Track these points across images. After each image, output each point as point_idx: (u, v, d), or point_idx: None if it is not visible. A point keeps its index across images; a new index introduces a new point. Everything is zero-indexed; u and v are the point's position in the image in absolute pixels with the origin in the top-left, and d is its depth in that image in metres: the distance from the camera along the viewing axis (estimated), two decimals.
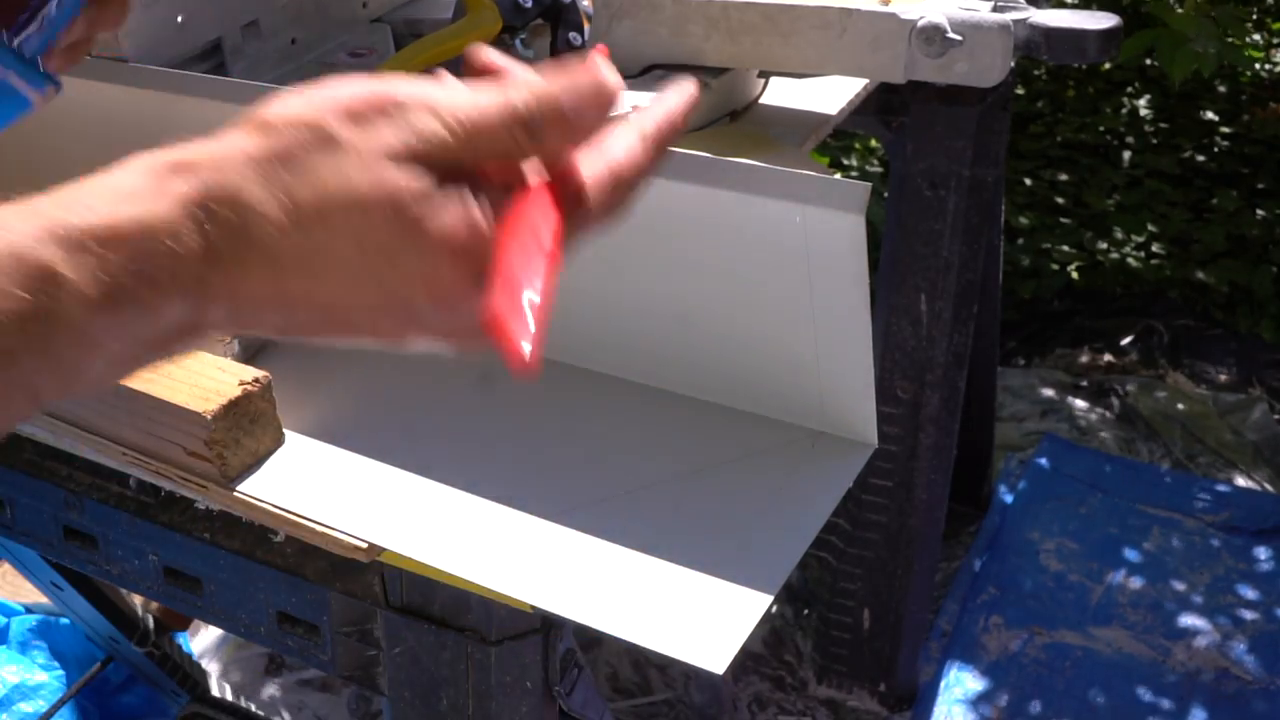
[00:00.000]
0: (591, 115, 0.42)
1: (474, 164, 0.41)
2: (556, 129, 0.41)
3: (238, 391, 0.70)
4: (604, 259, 0.75)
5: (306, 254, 0.39)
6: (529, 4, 1.12)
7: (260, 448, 0.72)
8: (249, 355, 0.83)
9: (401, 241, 0.40)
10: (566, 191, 0.42)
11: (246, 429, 0.70)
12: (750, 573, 0.63)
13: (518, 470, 0.71)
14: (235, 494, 0.70)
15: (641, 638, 0.60)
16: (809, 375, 0.71)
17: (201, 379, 0.71)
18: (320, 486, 0.71)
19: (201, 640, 1.78)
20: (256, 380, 0.71)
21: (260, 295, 0.40)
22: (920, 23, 1.04)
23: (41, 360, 0.37)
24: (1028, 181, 2.92)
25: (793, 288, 0.68)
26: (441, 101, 0.41)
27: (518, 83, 0.42)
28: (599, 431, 0.75)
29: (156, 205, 0.38)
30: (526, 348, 0.37)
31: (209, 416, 0.68)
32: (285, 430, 0.74)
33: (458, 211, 0.40)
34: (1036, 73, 3.35)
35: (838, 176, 0.72)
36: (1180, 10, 2.18)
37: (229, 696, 1.69)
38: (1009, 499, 1.97)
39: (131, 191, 0.38)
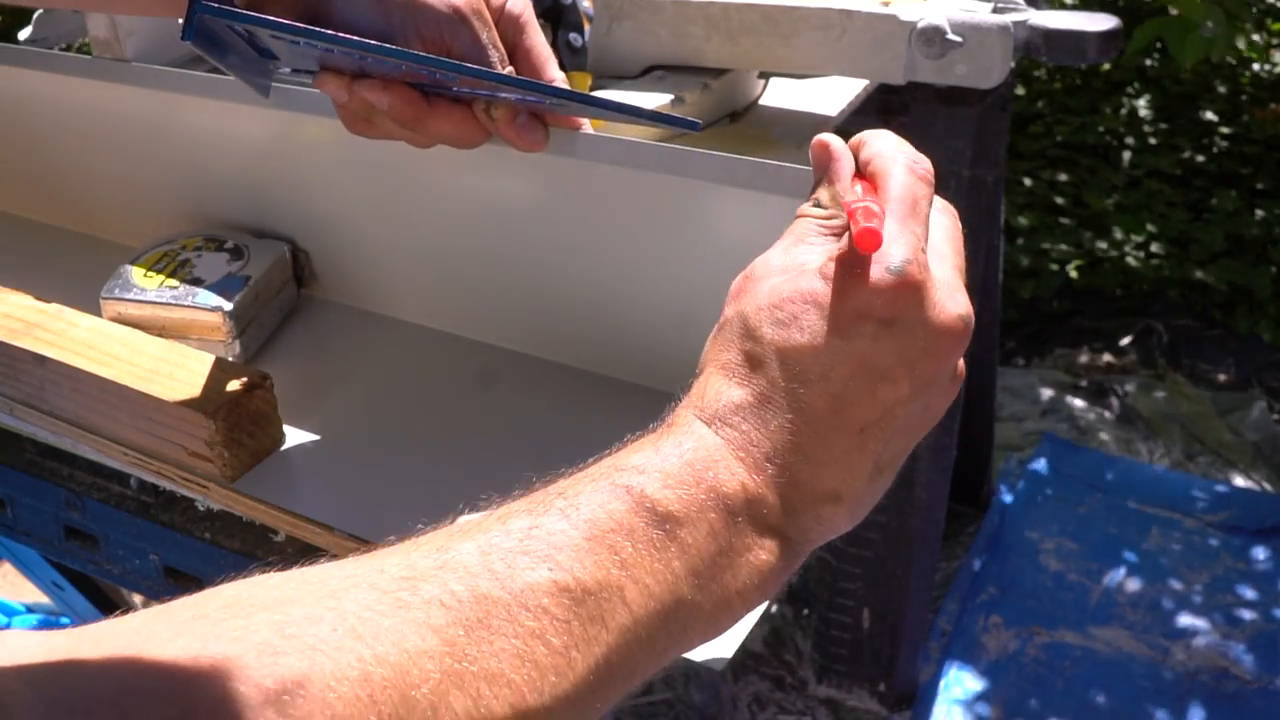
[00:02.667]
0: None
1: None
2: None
3: (239, 391, 0.70)
4: (610, 262, 0.75)
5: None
6: None
7: (261, 448, 0.72)
8: (249, 355, 0.83)
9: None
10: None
11: (247, 429, 0.70)
12: None
13: (518, 470, 0.71)
14: (236, 494, 0.70)
15: None
16: None
17: (202, 379, 0.71)
18: (320, 486, 0.71)
19: None
20: (257, 380, 0.71)
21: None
22: (920, 24, 1.04)
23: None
24: (1027, 181, 2.92)
25: None
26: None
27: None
28: (601, 432, 0.74)
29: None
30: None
31: (209, 417, 0.68)
32: (285, 430, 0.74)
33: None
34: (1036, 73, 3.35)
35: None
36: None
37: None
38: (1009, 499, 1.97)
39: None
